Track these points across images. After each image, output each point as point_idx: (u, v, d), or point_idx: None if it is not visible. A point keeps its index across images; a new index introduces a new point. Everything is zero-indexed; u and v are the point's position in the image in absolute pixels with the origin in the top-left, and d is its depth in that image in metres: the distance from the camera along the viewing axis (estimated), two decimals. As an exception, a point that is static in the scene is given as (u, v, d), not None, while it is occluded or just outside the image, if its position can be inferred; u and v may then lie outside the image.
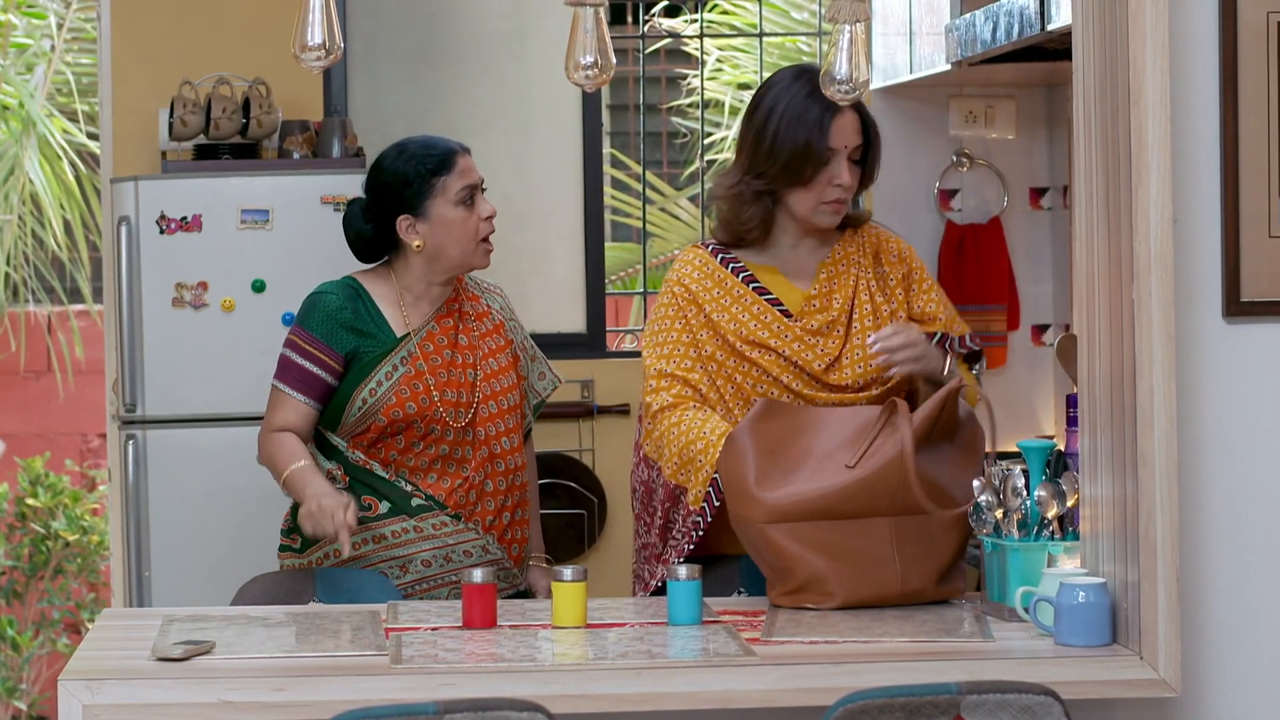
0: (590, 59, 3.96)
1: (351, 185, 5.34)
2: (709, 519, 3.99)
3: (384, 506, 4.28)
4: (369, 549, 4.26)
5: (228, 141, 5.63)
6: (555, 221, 6.46)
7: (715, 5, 8.02)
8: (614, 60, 3.99)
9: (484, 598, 3.65)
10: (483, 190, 4.36)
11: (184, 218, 5.43)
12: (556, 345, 5.96)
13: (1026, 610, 3.53)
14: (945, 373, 4.09)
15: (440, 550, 4.29)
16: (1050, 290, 5.98)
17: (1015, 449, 3.84)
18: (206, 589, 5.07)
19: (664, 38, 8.04)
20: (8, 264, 8.57)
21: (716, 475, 3.93)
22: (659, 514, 4.10)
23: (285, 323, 5.32)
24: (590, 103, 6.43)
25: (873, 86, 5.89)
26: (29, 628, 8.45)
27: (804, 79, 4.10)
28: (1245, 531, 3.46)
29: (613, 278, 8.33)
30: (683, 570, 3.66)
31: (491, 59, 6.44)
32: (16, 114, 8.58)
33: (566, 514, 6.14)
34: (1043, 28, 4.65)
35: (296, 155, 5.66)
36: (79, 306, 8.85)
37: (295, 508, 4.30)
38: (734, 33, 8.13)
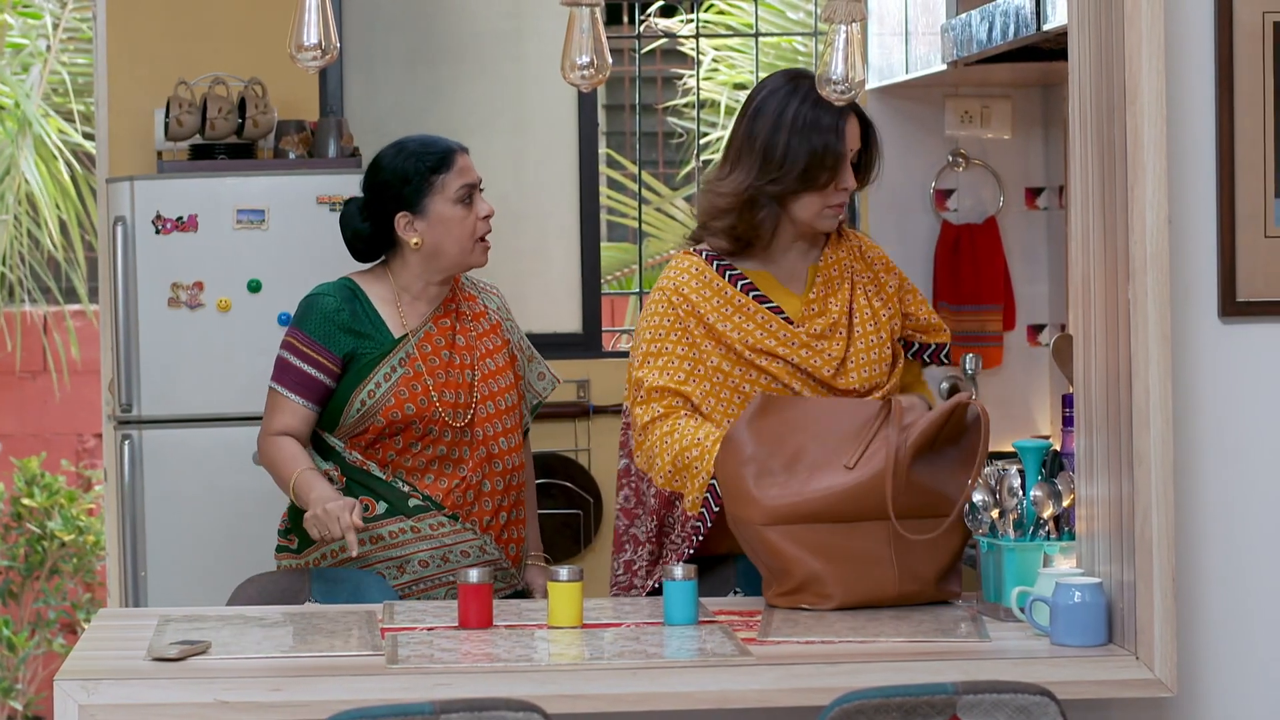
0: (586, 59, 3.96)
1: (347, 185, 5.34)
2: (709, 525, 3.98)
3: (381, 507, 4.27)
4: (366, 549, 4.25)
5: (223, 141, 5.63)
6: (551, 221, 6.46)
7: (711, 5, 8.02)
8: (610, 60, 3.99)
9: (480, 598, 3.65)
10: (480, 190, 4.36)
11: (180, 218, 5.43)
12: (552, 345, 5.96)
13: (1022, 610, 3.53)
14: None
15: (437, 550, 4.28)
16: (1046, 290, 5.99)
17: (1011, 449, 3.84)
18: (202, 589, 5.07)
19: (660, 38, 8.05)
20: (3, 264, 8.57)
21: (714, 481, 3.93)
22: (652, 522, 4.07)
23: (281, 323, 5.32)
24: (586, 103, 6.43)
25: (868, 86, 5.90)
26: (25, 628, 8.45)
27: (804, 84, 4.09)
28: (1241, 531, 3.46)
29: (608, 278, 8.33)
30: (679, 570, 3.66)
31: (488, 59, 6.44)
32: (12, 114, 8.58)
33: (562, 514, 6.14)
34: (1038, 28, 4.65)
35: (292, 155, 5.67)
36: (75, 306, 8.85)
37: (293, 508, 4.30)
38: (730, 33, 8.13)
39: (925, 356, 4.31)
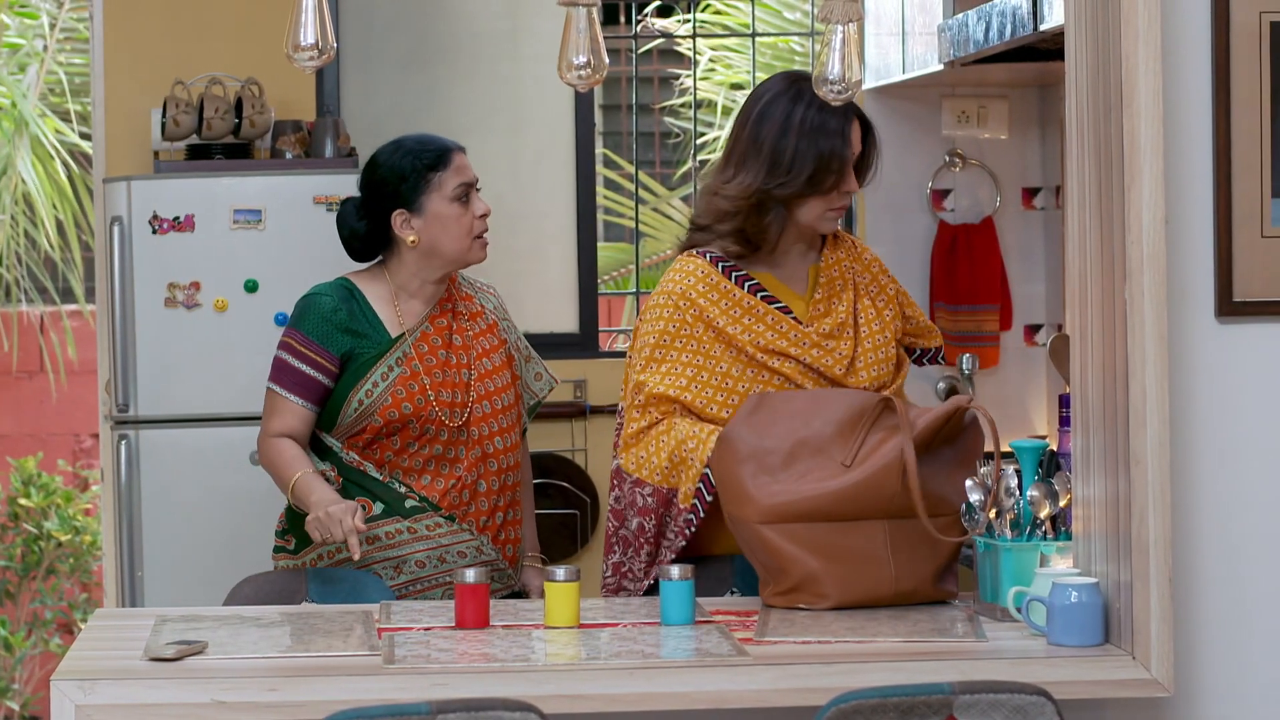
0: (583, 59, 3.97)
1: (344, 185, 5.34)
2: (701, 515, 3.98)
3: (378, 508, 4.27)
4: (363, 549, 4.25)
5: (220, 141, 5.63)
6: (548, 221, 6.46)
7: (708, 5, 8.02)
8: (607, 60, 3.99)
9: (477, 598, 3.65)
10: (478, 190, 4.36)
11: (176, 218, 5.43)
12: (549, 345, 5.95)
13: (1019, 610, 3.53)
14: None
15: (434, 551, 4.28)
16: (1043, 290, 5.98)
17: (1008, 449, 3.84)
18: (199, 589, 5.06)
19: (657, 38, 8.05)
20: (0, 264, 8.57)
21: (708, 470, 3.93)
22: (650, 522, 4.07)
23: (278, 323, 5.32)
24: (583, 103, 6.43)
25: (865, 87, 5.89)
26: (21, 628, 8.44)
27: (806, 88, 4.07)
28: (1237, 531, 3.46)
29: (605, 278, 8.33)
30: (675, 570, 3.66)
31: (484, 59, 6.44)
32: (9, 114, 8.58)
33: (559, 514, 6.14)
34: (1035, 28, 4.65)
35: (289, 155, 5.66)
36: (71, 306, 8.85)
37: (290, 509, 4.30)
38: (727, 33, 8.13)
39: (924, 360, 4.33)
